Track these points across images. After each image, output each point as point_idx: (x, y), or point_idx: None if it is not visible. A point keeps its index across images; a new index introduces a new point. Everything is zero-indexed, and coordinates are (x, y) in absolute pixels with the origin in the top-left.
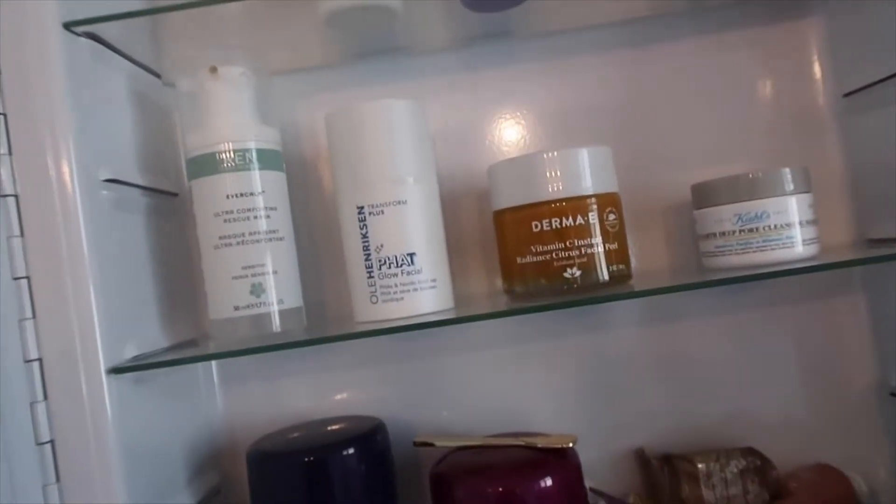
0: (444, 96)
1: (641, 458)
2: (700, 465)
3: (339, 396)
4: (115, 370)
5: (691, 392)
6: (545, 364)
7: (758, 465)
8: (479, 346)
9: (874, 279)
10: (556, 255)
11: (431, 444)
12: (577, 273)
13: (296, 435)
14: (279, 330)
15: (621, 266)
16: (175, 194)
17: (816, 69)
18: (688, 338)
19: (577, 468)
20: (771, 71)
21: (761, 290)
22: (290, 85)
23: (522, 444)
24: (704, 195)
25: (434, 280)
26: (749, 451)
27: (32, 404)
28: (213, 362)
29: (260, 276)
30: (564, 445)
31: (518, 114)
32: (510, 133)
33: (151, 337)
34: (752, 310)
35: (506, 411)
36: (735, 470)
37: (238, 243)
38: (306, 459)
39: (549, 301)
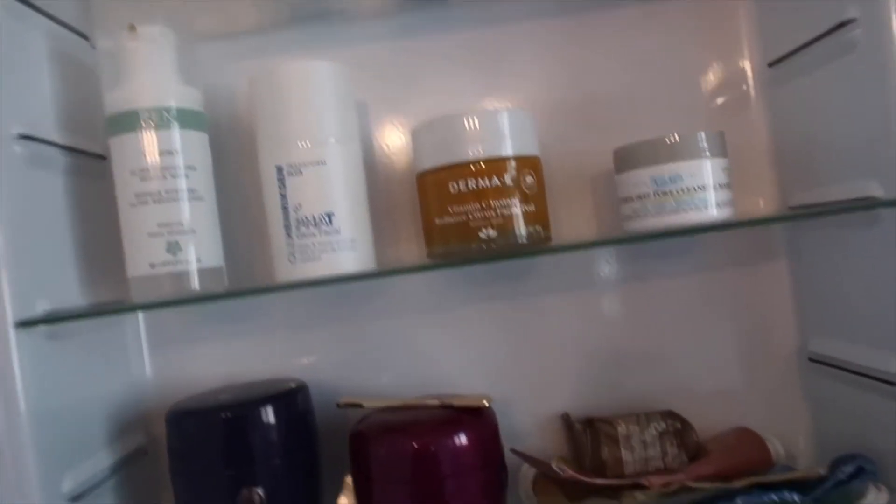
0: (379, 62)
1: (566, 423)
2: (620, 428)
3: (269, 361)
4: (24, 323)
5: (616, 358)
6: (470, 329)
7: (678, 427)
8: (403, 311)
9: (796, 246)
10: (473, 215)
11: (355, 406)
12: (493, 234)
13: (218, 396)
14: (198, 288)
15: (538, 227)
16: (103, 157)
17: (744, 39)
18: (610, 305)
19: (492, 427)
20: (700, 41)
21: (686, 258)
22: (220, 49)
23: (439, 403)
24: (624, 160)
25: (353, 241)
26: (669, 415)
27: None
28: (142, 325)
29: (177, 235)
30: (479, 405)
31: (452, 79)
32: (443, 99)
33: (69, 295)
34: (675, 277)
35: (431, 376)
36: (654, 432)
37: (154, 201)
38: (224, 416)
39: (462, 258)
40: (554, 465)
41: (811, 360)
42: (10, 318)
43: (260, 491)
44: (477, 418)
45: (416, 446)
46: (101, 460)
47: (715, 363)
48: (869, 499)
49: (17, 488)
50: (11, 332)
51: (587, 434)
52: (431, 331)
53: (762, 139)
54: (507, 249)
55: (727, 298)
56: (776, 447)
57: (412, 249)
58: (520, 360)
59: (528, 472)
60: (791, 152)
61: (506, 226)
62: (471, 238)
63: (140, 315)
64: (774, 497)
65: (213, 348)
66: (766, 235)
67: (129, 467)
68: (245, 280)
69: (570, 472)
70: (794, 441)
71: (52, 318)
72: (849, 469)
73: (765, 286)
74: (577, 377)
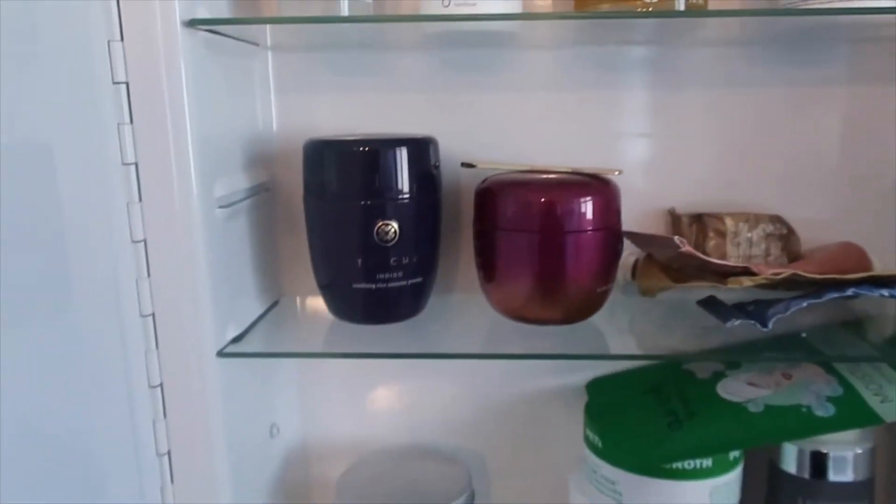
0: None
1: (673, 217)
2: (729, 223)
3: (396, 118)
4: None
5: (735, 158)
6: (604, 112)
7: (784, 232)
8: (542, 86)
9: None
10: None
11: (476, 167)
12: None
13: (353, 137)
14: (346, 13)
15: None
16: None
17: None
18: (745, 105)
19: (616, 196)
20: None
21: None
22: None
23: (569, 170)
24: None
25: None
26: (778, 219)
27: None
28: (270, 67)
29: None
30: (610, 174)
31: None
32: None
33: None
34: (814, 85)
35: (560, 153)
36: (762, 233)
37: None
38: (362, 149)
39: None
40: (676, 239)
41: None
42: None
43: (395, 224)
44: (603, 185)
45: (542, 199)
46: (238, 182)
47: (825, 179)
48: None
49: (182, 193)
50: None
51: (693, 228)
52: (567, 108)
53: None
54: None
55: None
56: (876, 265)
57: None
58: (642, 147)
59: (624, 260)
60: None
61: None
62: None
63: (269, 56)
64: (886, 293)
65: (339, 99)
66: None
67: (255, 197)
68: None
69: (689, 247)
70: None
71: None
72: None
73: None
74: (692, 173)
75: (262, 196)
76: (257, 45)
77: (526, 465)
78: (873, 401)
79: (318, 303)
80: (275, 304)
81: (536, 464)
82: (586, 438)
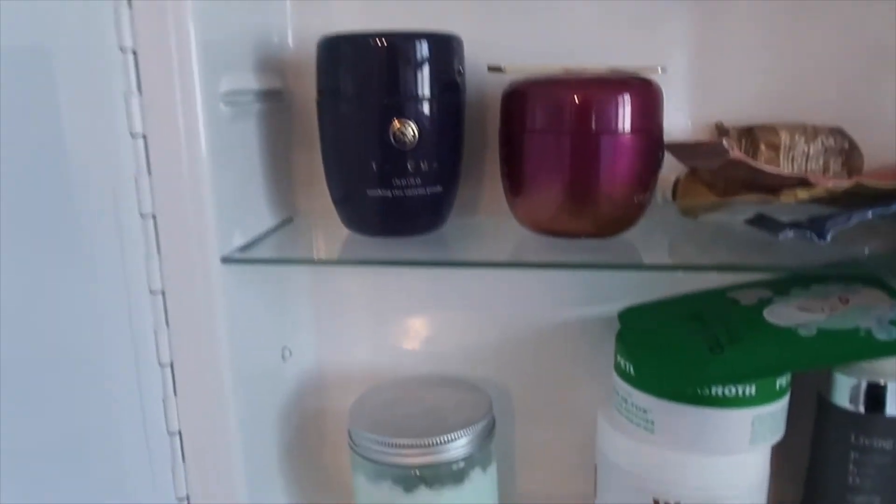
0: None
1: (720, 131)
2: (783, 135)
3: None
4: None
5: (790, 67)
6: (648, 14)
7: (845, 147)
8: None
9: None
10: None
11: (503, 70)
12: None
13: (369, 32)
14: None
15: None
16: None
17: None
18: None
19: (657, 96)
20: None
21: None
22: None
23: (608, 70)
24: None
25: None
26: (839, 132)
27: None
28: None
29: None
30: (652, 73)
31: None
32: None
33: None
34: None
35: (597, 59)
36: (820, 146)
37: None
38: (379, 42)
39: None
40: (724, 142)
41: None
42: None
43: (413, 125)
44: (643, 84)
45: (574, 97)
46: (246, 81)
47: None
48: None
49: (183, 83)
50: None
51: (743, 143)
52: (599, 10)
53: None
54: None
55: None
56: None
57: None
58: (683, 58)
59: (665, 178)
60: None
61: None
62: None
63: None
64: None
65: (359, 4)
66: None
67: (267, 104)
68: None
69: (739, 153)
70: None
71: None
72: None
73: None
74: (742, 83)
75: (276, 104)
76: None
77: (551, 399)
78: None
79: (334, 222)
80: (288, 220)
81: (563, 398)
82: (617, 366)
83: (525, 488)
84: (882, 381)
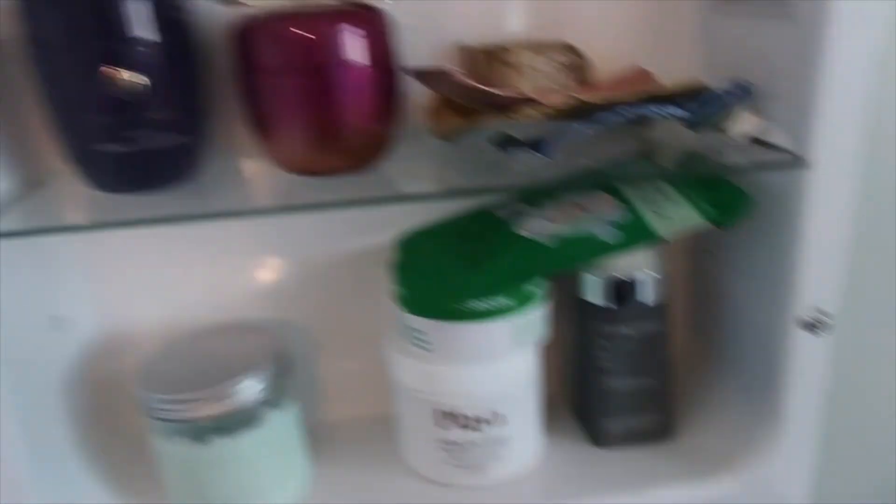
0: None
1: (462, 52)
2: (515, 53)
3: None
4: None
5: None
6: None
7: (577, 62)
8: None
9: None
10: None
11: (238, 3)
12: None
13: None
14: None
15: None
16: None
17: None
18: None
19: (384, 24)
20: None
21: None
22: None
23: (336, 1)
24: None
25: None
26: (570, 48)
27: None
28: None
29: None
30: (381, 2)
31: None
32: None
33: None
34: None
35: None
36: (553, 62)
37: None
38: None
39: None
40: (446, 67)
41: None
42: None
43: (131, 72)
44: (372, 14)
45: (298, 32)
46: None
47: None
48: (743, 119)
49: None
50: None
51: (483, 63)
52: None
53: None
54: None
55: None
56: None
57: None
58: None
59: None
60: None
61: None
62: None
63: None
64: (674, 111)
65: None
66: None
67: None
68: None
69: (461, 76)
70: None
71: None
72: (728, 87)
73: None
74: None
75: None
76: None
77: (347, 331)
78: (653, 219)
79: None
80: (39, 183)
81: (357, 328)
82: (392, 293)
83: (334, 418)
84: (622, 277)
